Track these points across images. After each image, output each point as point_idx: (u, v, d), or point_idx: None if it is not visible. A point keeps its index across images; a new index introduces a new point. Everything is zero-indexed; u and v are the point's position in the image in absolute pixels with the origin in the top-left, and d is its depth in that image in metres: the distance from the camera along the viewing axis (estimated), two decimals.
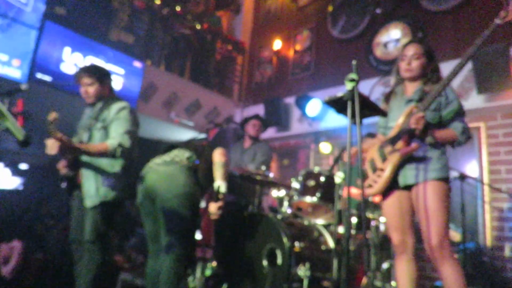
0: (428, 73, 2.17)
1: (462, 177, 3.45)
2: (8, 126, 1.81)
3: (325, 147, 5.16)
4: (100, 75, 2.72)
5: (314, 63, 5.96)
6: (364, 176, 2.20)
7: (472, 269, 3.39)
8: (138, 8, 5.55)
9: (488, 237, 3.90)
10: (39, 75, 4.20)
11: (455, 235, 3.59)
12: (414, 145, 2.03)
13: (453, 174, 3.89)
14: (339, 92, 2.08)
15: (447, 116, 2.08)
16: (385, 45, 5.17)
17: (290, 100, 5.76)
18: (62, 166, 2.68)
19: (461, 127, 2.04)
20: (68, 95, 4.46)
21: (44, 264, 3.64)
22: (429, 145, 2.06)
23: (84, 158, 2.59)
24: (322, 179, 3.02)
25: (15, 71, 3.97)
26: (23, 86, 2.84)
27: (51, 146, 2.36)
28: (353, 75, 1.90)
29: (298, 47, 6.30)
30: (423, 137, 2.03)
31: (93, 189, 2.53)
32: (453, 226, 3.90)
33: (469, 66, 4.09)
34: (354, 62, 1.94)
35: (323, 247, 2.99)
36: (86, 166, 2.60)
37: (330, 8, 5.93)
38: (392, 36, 5.14)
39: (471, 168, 4.22)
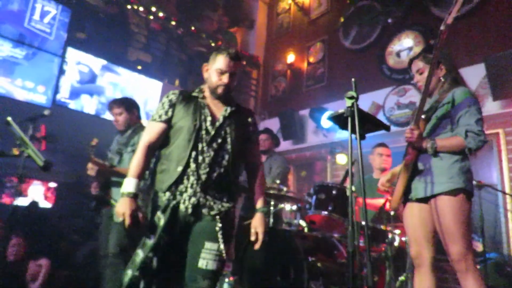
0: (441, 77, 2.14)
1: (480, 185, 3.39)
2: (30, 153, 1.97)
3: (341, 158, 5.16)
4: (128, 105, 3.04)
5: (327, 75, 6.00)
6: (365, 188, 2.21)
7: (494, 281, 3.30)
8: (155, 29, 5.77)
9: None
10: (62, 99, 4.42)
11: (476, 245, 3.51)
12: (408, 156, 2.04)
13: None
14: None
15: (457, 123, 1.99)
16: (398, 54, 5.16)
17: (305, 112, 5.81)
18: (94, 188, 2.94)
19: (464, 131, 1.94)
20: (89, 116, 4.67)
21: (70, 280, 3.79)
22: (435, 156, 2.01)
23: (115, 178, 2.85)
24: (334, 192, 3.04)
25: (40, 97, 4.20)
26: (46, 112, 3.04)
27: (91, 168, 2.78)
28: (352, 93, 1.94)
29: (311, 59, 6.36)
30: (420, 149, 2.01)
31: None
32: (475, 237, 3.82)
33: (483, 72, 4.05)
34: (353, 80, 1.98)
35: (338, 260, 3.00)
36: (117, 185, 2.79)
37: (341, 20, 5.98)
38: (405, 45, 5.13)
39: (490, 176, 4.13)
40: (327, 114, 5.24)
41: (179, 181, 1.76)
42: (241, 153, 1.93)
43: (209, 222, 1.76)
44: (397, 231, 3.06)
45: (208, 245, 1.71)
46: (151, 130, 1.84)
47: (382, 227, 3.07)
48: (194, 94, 1.92)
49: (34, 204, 6.38)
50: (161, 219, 1.73)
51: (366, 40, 5.61)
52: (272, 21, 7.32)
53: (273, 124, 6.06)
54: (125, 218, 1.64)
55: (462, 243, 1.87)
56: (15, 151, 1.96)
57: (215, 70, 1.87)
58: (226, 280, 3.50)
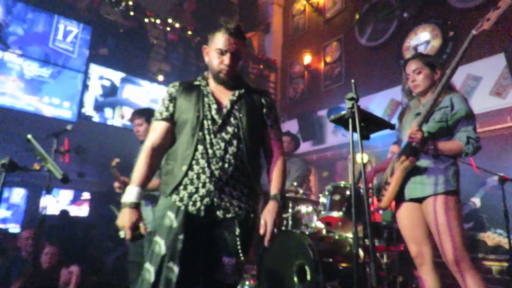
0: (437, 82, 2.15)
1: (502, 180, 3.28)
2: (49, 167, 2.11)
3: (360, 157, 5.11)
4: (148, 116, 3.10)
5: (344, 74, 5.97)
6: (379, 190, 2.23)
7: None
8: (173, 40, 5.94)
9: None
10: (87, 113, 4.65)
11: (501, 241, 3.40)
12: (410, 158, 2.04)
13: (493, 177, 3.72)
14: (372, 101, 2.15)
15: (453, 128, 2.03)
16: (415, 48, 5.06)
17: (323, 112, 5.79)
18: (118, 188, 3.06)
19: (466, 137, 1.98)
20: (113, 128, 4.88)
21: (99, 286, 3.97)
22: (434, 157, 2.04)
23: None
24: (348, 192, 3.04)
25: (66, 112, 4.44)
26: (69, 127, 3.22)
27: (118, 187, 2.93)
28: (351, 94, 1.96)
29: (328, 59, 6.34)
30: (424, 150, 2.02)
31: (150, 217, 2.82)
32: (503, 233, 3.69)
33: (504, 62, 3.92)
34: (353, 81, 2.00)
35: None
36: (144, 198, 2.93)
37: (356, 17, 5.93)
38: (422, 39, 5.03)
39: None
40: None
41: (187, 182, 1.55)
42: (257, 140, 1.69)
43: (228, 229, 1.55)
44: None
45: (226, 260, 1.52)
46: (153, 131, 1.65)
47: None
48: (196, 82, 1.71)
49: (64, 212, 6.72)
50: (173, 221, 1.51)
51: (382, 36, 5.53)
52: (287, 24, 7.35)
53: (293, 126, 6.08)
54: (125, 231, 1.48)
55: (458, 243, 1.88)
56: (36, 166, 2.10)
57: (215, 51, 1.62)
58: (247, 283, 3.56)
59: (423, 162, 2.06)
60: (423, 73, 2.15)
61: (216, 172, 1.53)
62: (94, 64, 4.79)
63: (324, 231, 3.40)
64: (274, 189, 1.63)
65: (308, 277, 2.77)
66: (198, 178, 1.54)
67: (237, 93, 1.67)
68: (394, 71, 5.21)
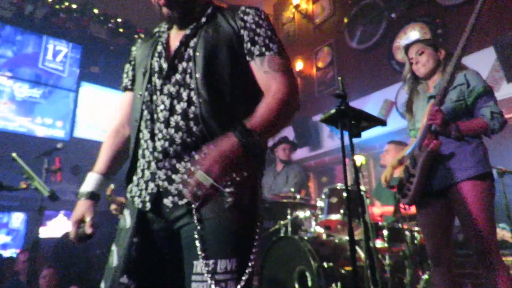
0: (442, 61, 2.08)
1: (501, 172, 3.23)
2: (36, 185, 2.08)
3: (359, 160, 5.07)
4: None
5: (337, 78, 5.97)
6: (402, 186, 2.13)
7: None
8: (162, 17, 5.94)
9: None
10: (81, 132, 4.63)
11: (505, 235, 3.33)
12: (435, 141, 1.88)
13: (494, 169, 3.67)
14: (365, 103, 2.09)
15: (473, 105, 1.90)
16: None
17: (318, 117, 5.76)
18: (114, 209, 2.99)
19: (489, 112, 1.83)
20: None
21: None
22: (459, 140, 1.90)
23: None
24: (345, 194, 2.99)
25: (59, 132, 4.43)
26: (59, 145, 3.20)
27: (114, 209, 2.83)
28: (339, 91, 1.93)
29: (320, 64, 6.35)
30: (446, 133, 1.89)
31: (129, 225, 2.76)
32: (506, 227, 3.62)
33: (493, 55, 3.90)
34: (340, 78, 1.98)
35: (356, 264, 2.92)
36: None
37: (345, 21, 5.96)
38: (411, 38, 5.02)
39: None
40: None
41: (136, 164, 1.16)
42: (229, 86, 1.09)
43: (190, 224, 1.05)
44: (417, 228, 2.96)
45: (195, 266, 1.00)
46: (118, 107, 1.32)
47: (400, 225, 2.98)
48: (156, 29, 1.28)
49: (67, 235, 6.64)
50: (127, 221, 1.14)
51: (372, 38, 5.54)
52: (278, 31, 7.34)
53: (289, 133, 6.05)
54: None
55: (488, 233, 1.74)
56: (23, 185, 2.07)
57: None
58: None
59: (448, 147, 1.91)
60: (426, 53, 2.06)
61: (159, 144, 1.07)
62: (85, 82, 4.79)
63: (324, 236, 3.34)
64: (239, 122, 0.97)
65: (310, 283, 2.71)
66: (143, 156, 1.13)
67: (193, 24, 1.15)
68: (386, 72, 5.21)
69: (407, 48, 2.24)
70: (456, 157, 1.87)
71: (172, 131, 1.07)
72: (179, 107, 1.08)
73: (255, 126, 0.97)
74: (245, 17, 1.14)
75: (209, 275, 0.97)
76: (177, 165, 1.06)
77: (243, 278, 0.97)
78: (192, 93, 1.07)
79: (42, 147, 3.37)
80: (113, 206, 2.88)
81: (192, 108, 1.07)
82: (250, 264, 0.99)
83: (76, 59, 4.69)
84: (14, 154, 2.06)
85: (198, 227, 1.01)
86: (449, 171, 1.87)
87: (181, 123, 1.06)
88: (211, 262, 0.98)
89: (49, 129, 4.39)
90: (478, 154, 1.85)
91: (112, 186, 3.05)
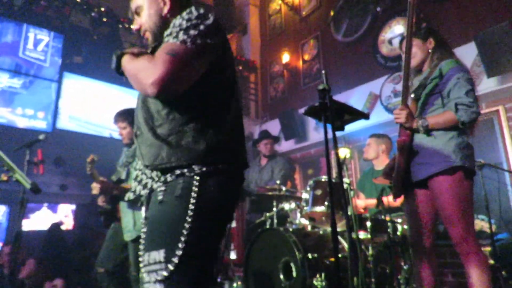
0: (431, 52, 2.06)
1: (480, 165, 3.31)
2: (18, 177, 2.04)
3: (344, 152, 5.12)
4: (132, 119, 2.96)
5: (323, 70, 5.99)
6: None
7: (504, 261, 3.21)
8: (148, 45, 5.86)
9: None
10: (64, 123, 4.54)
11: (483, 226, 3.43)
12: (398, 139, 1.97)
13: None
14: (351, 96, 2.09)
15: (446, 92, 1.91)
16: (390, 41, 5.11)
17: (304, 110, 5.79)
18: (101, 201, 2.95)
19: (454, 105, 1.85)
20: (93, 137, 4.77)
21: None
22: (427, 135, 1.94)
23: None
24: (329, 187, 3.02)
25: (41, 123, 4.33)
26: (41, 136, 3.13)
27: (94, 187, 2.81)
28: (323, 85, 1.94)
29: (306, 56, 6.35)
30: (412, 129, 1.94)
31: (130, 224, 2.73)
32: (485, 218, 3.73)
33: (475, 50, 3.97)
34: (323, 72, 1.99)
35: (340, 255, 2.97)
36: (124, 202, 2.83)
37: (331, 13, 5.96)
38: (396, 32, 5.08)
39: (496, 155, 4.03)
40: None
41: None
42: None
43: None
44: (399, 220, 3.02)
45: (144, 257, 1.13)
46: None
47: (383, 217, 3.03)
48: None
49: (55, 225, 6.51)
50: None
51: (357, 32, 5.57)
52: (264, 24, 7.35)
53: (276, 125, 6.07)
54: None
55: (462, 224, 1.79)
56: (4, 177, 2.03)
57: None
58: (235, 285, 3.52)
59: (420, 141, 1.95)
60: (414, 44, 2.03)
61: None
62: (68, 73, 4.69)
63: (309, 227, 3.38)
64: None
65: (294, 274, 2.74)
66: None
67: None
68: (371, 65, 5.25)
69: (401, 41, 2.24)
70: (427, 152, 1.91)
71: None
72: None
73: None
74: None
75: (144, 267, 1.10)
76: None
77: (169, 266, 1.05)
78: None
79: (23, 139, 3.30)
80: (93, 184, 2.80)
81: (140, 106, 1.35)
82: (177, 252, 1.06)
83: (58, 48, 4.58)
84: None
85: (143, 224, 1.20)
86: (422, 166, 1.92)
87: (139, 120, 1.33)
88: (146, 254, 1.11)
89: (31, 120, 4.30)
90: (449, 149, 1.87)
91: (94, 156, 2.96)
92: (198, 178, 1.13)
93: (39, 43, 4.41)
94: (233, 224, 6.15)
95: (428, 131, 1.93)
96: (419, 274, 2.02)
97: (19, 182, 2.01)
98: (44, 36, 4.47)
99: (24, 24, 4.32)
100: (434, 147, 1.91)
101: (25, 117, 4.24)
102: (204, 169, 1.14)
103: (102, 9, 5.03)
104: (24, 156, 3.01)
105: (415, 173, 1.98)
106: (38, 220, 6.69)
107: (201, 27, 1.16)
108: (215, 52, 1.20)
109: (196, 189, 1.12)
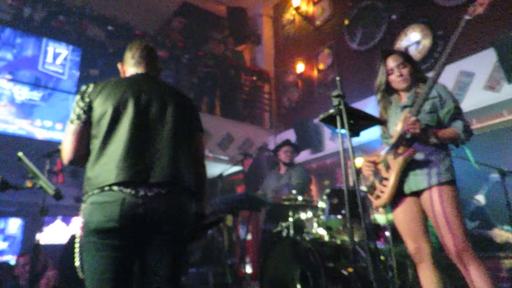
0: (417, 78, 2.18)
1: (502, 172, 3.21)
2: (42, 184, 2.08)
3: (360, 161, 5.05)
4: None
5: None
6: (372, 188, 2.17)
7: None
8: (163, 57, 5.94)
9: None
10: None
11: (504, 235, 3.31)
12: (411, 149, 2.00)
13: (494, 172, 3.66)
14: (366, 105, 2.15)
15: (445, 118, 2.04)
16: (406, 49, 5.05)
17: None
18: None
19: (462, 125, 1.99)
20: None
21: None
22: (433, 147, 2.02)
23: None
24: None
25: (59, 134, 4.40)
26: (60, 147, 3.17)
27: None
28: (337, 91, 1.93)
29: (321, 66, 6.34)
30: (425, 140, 1.99)
31: None
32: (504, 227, 3.60)
33: (493, 56, 3.89)
34: (338, 79, 1.99)
35: (359, 264, 2.90)
36: None
37: (345, 22, 5.95)
38: (412, 39, 5.03)
39: None
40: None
41: None
42: None
43: None
44: None
45: None
46: None
47: None
48: None
49: (74, 238, 6.57)
50: None
51: (372, 40, 5.54)
52: (278, 34, 7.38)
53: (289, 135, 6.03)
54: None
55: (462, 233, 1.85)
56: (29, 184, 2.08)
57: None
58: None
59: (419, 154, 2.03)
60: (407, 68, 2.15)
61: None
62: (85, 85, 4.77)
63: (326, 237, 3.32)
64: None
65: (311, 283, 2.68)
66: None
67: None
68: None
69: (385, 55, 2.25)
70: (428, 164, 1.99)
71: None
72: None
73: None
74: None
75: None
76: None
77: None
78: None
79: (41, 150, 3.36)
80: None
81: None
82: None
83: (76, 61, 4.68)
84: (20, 154, 2.06)
85: None
86: (422, 176, 1.98)
87: None
88: None
89: (49, 132, 4.37)
90: (447, 162, 1.99)
91: None
92: None
93: (57, 56, 4.52)
94: (249, 237, 6.09)
95: (437, 143, 2.00)
96: (425, 282, 1.98)
97: (42, 189, 2.05)
98: (63, 50, 4.58)
99: (43, 38, 4.44)
100: (434, 160, 1.99)
101: (44, 129, 4.32)
102: None
103: (118, 22, 5.15)
104: (44, 166, 3.07)
105: (415, 182, 2.01)
106: (52, 233, 6.73)
107: None
108: None
109: None
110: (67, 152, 1.55)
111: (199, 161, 1.73)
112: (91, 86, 1.62)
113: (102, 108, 1.54)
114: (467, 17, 1.91)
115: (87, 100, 1.57)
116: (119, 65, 1.87)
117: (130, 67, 1.79)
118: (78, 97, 1.59)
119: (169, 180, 1.49)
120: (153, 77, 1.78)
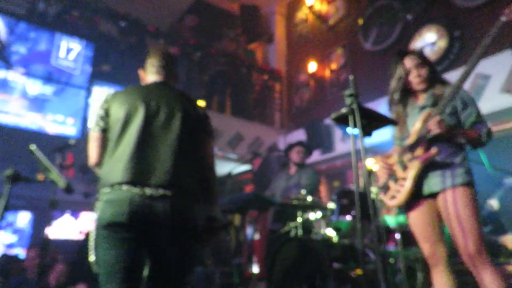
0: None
1: None
2: (53, 177, 2.07)
3: (371, 163, 4.98)
4: None
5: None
6: (386, 188, 2.12)
7: None
8: (174, 54, 5.94)
9: None
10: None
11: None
12: (433, 150, 1.93)
13: (509, 177, 3.56)
14: (379, 106, 2.11)
15: (467, 123, 1.99)
16: (421, 50, 4.96)
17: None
18: None
19: (486, 129, 1.95)
20: None
21: None
22: (452, 149, 1.97)
23: None
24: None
25: (70, 129, 4.43)
26: (71, 142, 3.20)
27: None
28: (350, 90, 1.88)
29: (333, 66, 6.27)
30: (450, 140, 1.95)
31: None
32: None
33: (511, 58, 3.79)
34: (351, 77, 1.94)
35: (367, 266, 2.84)
36: None
37: (360, 22, 5.87)
38: (428, 40, 4.93)
39: None
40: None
41: None
42: None
43: None
44: None
45: None
46: None
47: None
48: None
49: (89, 235, 6.58)
50: None
51: (387, 40, 5.45)
52: (290, 33, 7.32)
53: (300, 135, 5.98)
54: None
55: (477, 237, 1.80)
56: (40, 177, 2.08)
57: None
58: None
59: (441, 155, 1.97)
60: (425, 68, 2.09)
61: None
62: (97, 80, 4.79)
63: (335, 238, 3.26)
64: None
65: (319, 284, 2.64)
66: None
67: None
68: None
69: (402, 56, 2.19)
70: (447, 166, 1.95)
71: None
72: None
73: None
74: None
75: None
76: None
77: None
78: None
79: (52, 144, 3.38)
80: None
81: None
82: None
83: (88, 57, 4.70)
84: (33, 147, 2.06)
85: None
86: (440, 178, 1.94)
87: None
88: None
89: (60, 126, 4.40)
90: (466, 164, 1.95)
91: None
92: None
93: (70, 51, 4.54)
94: (256, 237, 6.06)
95: (464, 142, 1.95)
96: (439, 285, 1.93)
97: (54, 182, 2.04)
98: (76, 45, 4.60)
99: (57, 33, 4.46)
100: (455, 161, 1.94)
101: (55, 123, 4.35)
102: None
103: (130, 18, 5.15)
104: (55, 160, 3.09)
105: (432, 184, 1.96)
106: (61, 228, 6.76)
107: None
108: None
109: None
110: (91, 157, 1.71)
111: (207, 166, 1.81)
112: (111, 94, 1.78)
113: (117, 114, 1.69)
114: (503, 18, 1.85)
115: (105, 107, 1.73)
116: (140, 71, 1.97)
117: (150, 74, 1.90)
118: (99, 105, 1.77)
119: (169, 184, 1.59)
120: (168, 85, 1.88)
